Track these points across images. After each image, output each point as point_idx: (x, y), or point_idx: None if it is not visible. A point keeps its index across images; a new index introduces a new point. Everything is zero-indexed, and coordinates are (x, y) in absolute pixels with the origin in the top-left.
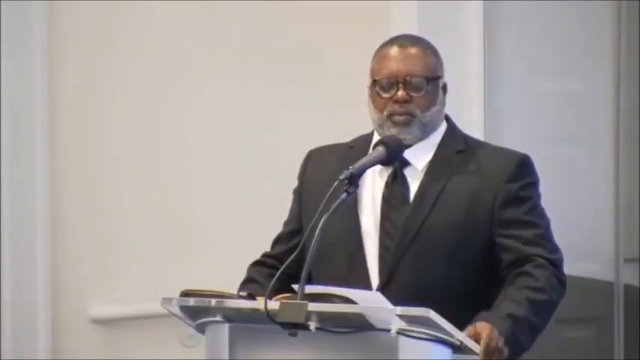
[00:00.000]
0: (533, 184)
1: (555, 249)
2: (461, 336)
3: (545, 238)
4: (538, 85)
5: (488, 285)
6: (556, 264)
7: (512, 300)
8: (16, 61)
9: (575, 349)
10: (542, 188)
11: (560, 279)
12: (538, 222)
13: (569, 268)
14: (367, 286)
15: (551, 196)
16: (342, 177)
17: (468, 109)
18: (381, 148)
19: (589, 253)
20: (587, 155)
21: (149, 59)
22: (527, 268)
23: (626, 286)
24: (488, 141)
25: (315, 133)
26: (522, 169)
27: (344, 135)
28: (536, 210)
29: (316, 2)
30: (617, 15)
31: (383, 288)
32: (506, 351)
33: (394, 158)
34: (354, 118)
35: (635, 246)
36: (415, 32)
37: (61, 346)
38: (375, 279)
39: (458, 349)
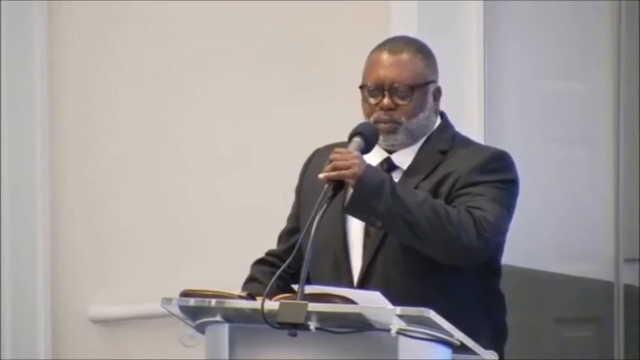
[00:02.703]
0: (502, 178)
1: (495, 216)
2: (461, 336)
3: (487, 206)
4: (538, 85)
5: (457, 279)
6: (485, 220)
7: (416, 191)
8: (16, 61)
9: (575, 349)
10: (542, 188)
11: (480, 231)
12: (491, 198)
13: (569, 269)
14: (350, 285)
15: (551, 197)
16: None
17: (468, 109)
18: (358, 139)
19: (589, 253)
20: (587, 155)
21: (149, 59)
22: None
23: (626, 286)
24: (488, 141)
25: (314, 133)
26: (493, 162)
27: (344, 135)
28: (495, 191)
29: (316, 2)
30: (617, 15)
31: (360, 287)
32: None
33: (372, 145)
34: (355, 118)
35: (635, 246)
36: (415, 32)
37: (61, 346)
38: (356, 280)
39: (458, 349)
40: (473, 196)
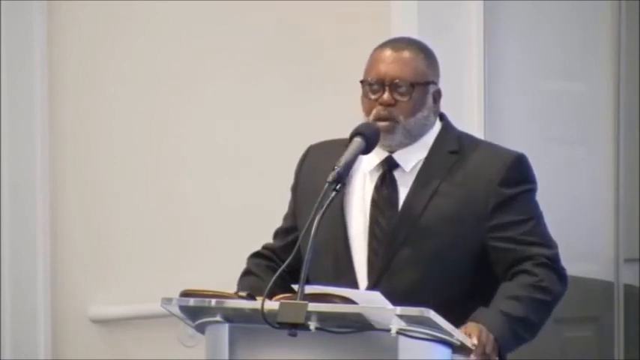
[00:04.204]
0: (529, 187)
1: (550, 243)
2: (460, 336)
3: (538, 234)
4: (538, 85)
5: (476, 288)
6: (554, 259)
7: (510, 297)
8: (16, 61)
9: (575, 349)
10: (542, 188)
11: (560, 274)
12: (531, 217)
13: (569, 268)
14: (352, 285)
15: (551, 197)
16: (329, 179)
17: (468, 109)
18: (358, 139)
19: (589, 253)
20: (587, 155)
21: (149, 59)
22: (527, 266)
23: (626, 286)
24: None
25: (314, 133)
26: (516, 171)
27: (344, 135)
28: (529, 206)
29: (316, 2)
30: (617, 15)
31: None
32: (494, 354)
33: (373, 145)
34: (355, 117)
35: (635, 246)
36: (415, 32)
37: (61, 346)
38: (362, 283)
39: (458, 349)
40: (518, 225)
